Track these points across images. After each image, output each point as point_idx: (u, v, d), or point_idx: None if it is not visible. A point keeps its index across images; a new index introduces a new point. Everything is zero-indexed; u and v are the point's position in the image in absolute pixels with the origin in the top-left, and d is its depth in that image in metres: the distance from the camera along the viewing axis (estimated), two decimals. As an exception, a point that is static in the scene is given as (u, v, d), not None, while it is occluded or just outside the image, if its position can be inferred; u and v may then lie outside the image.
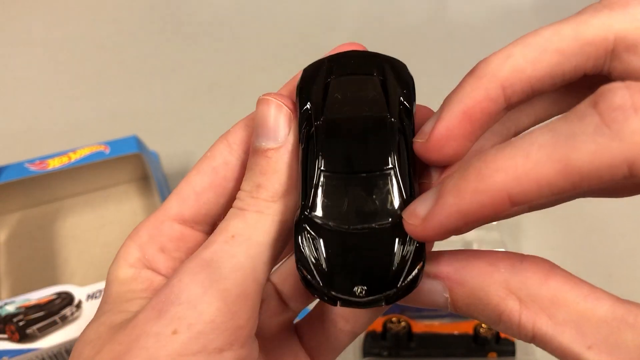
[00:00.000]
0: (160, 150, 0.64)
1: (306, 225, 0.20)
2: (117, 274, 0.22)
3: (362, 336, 0.48)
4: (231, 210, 0.22)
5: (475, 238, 0.56)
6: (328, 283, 0.19)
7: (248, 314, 0.20)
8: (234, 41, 0.83)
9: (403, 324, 0.47)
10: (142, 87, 0.75)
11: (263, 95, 0.22)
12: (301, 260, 0.19)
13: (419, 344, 0.47)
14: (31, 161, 0.55)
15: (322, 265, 0.19)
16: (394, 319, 0.47)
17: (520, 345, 0.47)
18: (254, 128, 0.22)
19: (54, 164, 0.55)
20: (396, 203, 0.20)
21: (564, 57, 0.20)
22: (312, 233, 0.20)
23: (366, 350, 0.47)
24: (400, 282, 0.19)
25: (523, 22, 0.86)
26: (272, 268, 0.22)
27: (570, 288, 0.18)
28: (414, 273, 0.19)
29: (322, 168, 0.20)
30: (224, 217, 0.23)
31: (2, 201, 0.57)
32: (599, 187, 0.16)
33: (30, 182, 0.55)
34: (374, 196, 0.20)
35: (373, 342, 0.47)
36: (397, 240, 0.19)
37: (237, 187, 0.23)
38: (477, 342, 0.47)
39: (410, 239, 0.19)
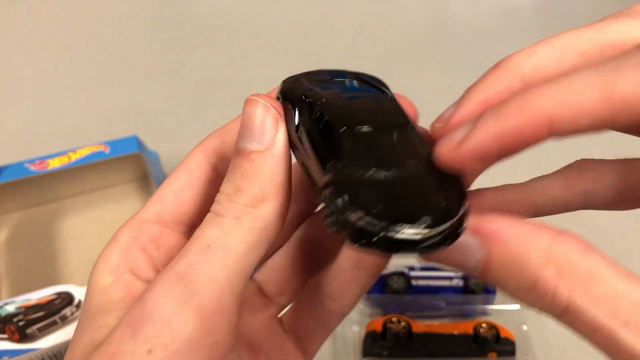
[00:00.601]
0: (160, 150, 0.64)
1: (346, 177, 0.18)
2: (98, 282, 0.22)
3: (362, 336, 0.48)
4: (208, 215, 0.21)
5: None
6: (385, 228, 0.17)
7: (225, 329, 0.20)
8: (234, 41, 0.83)
9: (403, 324, 0.47)
10: (142, 87, 0.75)
11: (251, 95, 0.22)
12: (348, 215, 0.17)
13: (419, 344, 0.47)
14: (31, 161, 0.55)
15: (374, 210, 0.17)
16: (394, 319, 0.47)
17: (520, 345, 0.47)
18: (239, 129, 0.21)
19: (54, 164, 0.55)
20: (428, 145, 0.20)
21: (584, 58, 0.20)
22: (356, 183, 0.18)
23: (366, 350, 0.47)
24: (456, 215, 0.18)
25: (523, 22, 0.86)
26: (249, 277, 0.21)
27: (608, 267, 0.18)
28: (463, 208, 0.19)
29: (343, 128, 0.20)
30: (202, 218, 0.22)
31: (2, 201, 0.57)
32: (634, 122, 0.17)
33: (30, 182, 0.55)
34: (404, 142, 0.20)
35: (373, 342, 0.47)
36: (439, 177, 0.19)
37: (212, 187, 0.23)
38: (477, 342, 0.47)
39: (450, 177, 0.19)
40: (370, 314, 0.51)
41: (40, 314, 0.45)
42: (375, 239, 0.17)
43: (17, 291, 0.52)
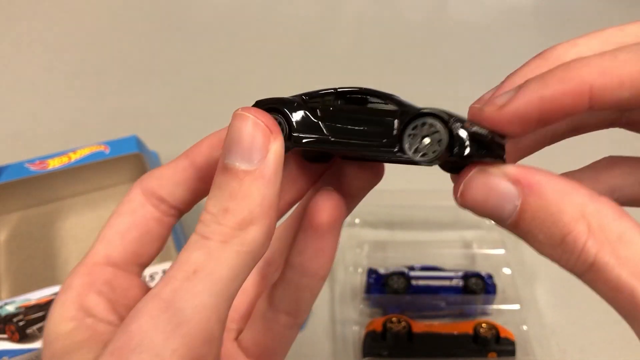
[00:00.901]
0: (160, 150, 0.64)
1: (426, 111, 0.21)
2: (59, 330, 0.21)
3: (362, 336, 0.48)
4: (193, 236, 0.20)
5: (475, 238, 0.56)
6: (492, 134, 0.21)
7: (213, 356, 0.19)
8: (234, 41, 0.83)
9: (403, 324, 0.47)
10: (142, 87, 0.75)
11: (240, 109, 0.20)
12: (461, 127, 0.20)
13: (419, 344, 0.47)
14: (31, 161, 0.55)
15: (474, 125, 0.20)
16: (394, 319, 0.47)
17: (520, 345, 0.47)
18: (226, 142, 0.20)
19: (54, 164, 0.55)
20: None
21: None
22: (441, 113, 0.20)
23: (366, 351, 0.47)
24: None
25: (523, 22, 0.86)
26: (232, 302, 0.20)
27: (638, 233, 0.18)
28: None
29: (387, 93, 0.22)
30: (151, 257, 0.22)
31: (2, 201, 0.57)
32: None
33: (30, 182, 0.55)
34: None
35: (373, 342, 0.47)
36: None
37: (158, 226, 0.23)
38: (477, 342, 0.47)
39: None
40: (370, 314, 0.51)
41: (40, 314, 0.45)
42: (486, 142, 0.20)
43: (17, 291, 0.52)
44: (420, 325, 0.48)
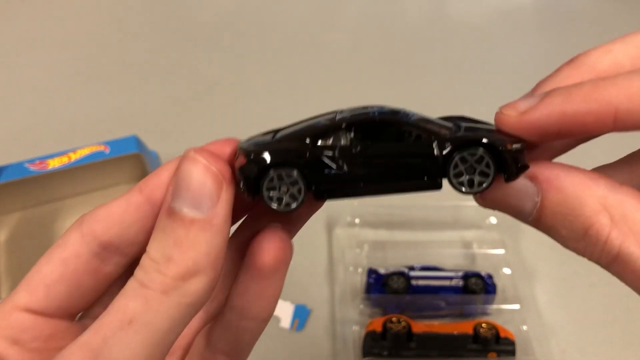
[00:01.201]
0: (160, 150, 0.64)
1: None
2: None
3: (362, 336, 0.48)
4: (131, 282, 0.19)
5: (475, 238, 0.56)
6: (522, 143, 0.20)
7: None
8: (234, 41, 0.83)
9: (403, 324, 0.47)
10: (142, 87, 0.75)
11: (191, 151, 0.19)
12: (500, 142, 0.20)
13: (419, 344, 0.47)
14: (31, 161, 0.55)
15: (509, 139, 0.20)
16: (394, 319, 0.47)
17: (520, 345, 0.47)
18: (174, 185, 0.19)
19: (54, 164, 0.55)
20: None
21: None
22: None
23: (366, 350, 0.47)
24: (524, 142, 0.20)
25: (523, 22, 0.86)
26: (168, 352, 0.19)
27: None
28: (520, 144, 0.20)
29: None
30: (80, 309, 0.21)
31: (2, 201, 0.57)
32: None
33: (30, 182, 0.55)
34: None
35: (373, 342, 0.47)
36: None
37: (91, 281, 0.21)
38: (477, 342, 0.47)
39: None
40: (370, 314, 0.51)
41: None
42: (519, 153, 0.20)
43: (17, 291, 0.52)
44: (420, 325, 0.48)
